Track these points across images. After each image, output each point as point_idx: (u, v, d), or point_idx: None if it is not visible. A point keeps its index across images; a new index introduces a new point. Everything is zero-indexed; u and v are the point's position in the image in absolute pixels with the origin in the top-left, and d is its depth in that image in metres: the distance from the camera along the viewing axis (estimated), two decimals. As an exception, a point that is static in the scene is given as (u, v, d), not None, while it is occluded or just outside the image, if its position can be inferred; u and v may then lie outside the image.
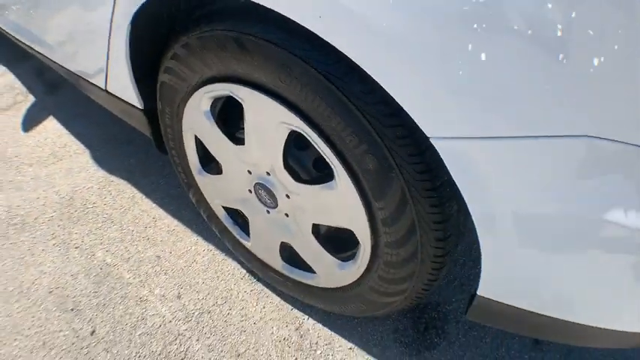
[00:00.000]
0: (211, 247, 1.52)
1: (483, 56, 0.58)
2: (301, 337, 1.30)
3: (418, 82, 0.65)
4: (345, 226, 0.96)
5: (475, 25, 0.57)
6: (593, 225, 0.65)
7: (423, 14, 0.61)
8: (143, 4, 0.89)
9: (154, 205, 1.65)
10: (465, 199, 0.71)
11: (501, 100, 0.61)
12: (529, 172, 0.65)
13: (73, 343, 1.36)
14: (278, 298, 1.38)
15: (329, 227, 1.06)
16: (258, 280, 1.42)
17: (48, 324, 1.41)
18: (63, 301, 1.45)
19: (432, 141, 0.68)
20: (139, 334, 1.35)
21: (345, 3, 0.64)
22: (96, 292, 1.45)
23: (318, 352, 1.27)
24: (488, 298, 0.83)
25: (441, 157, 0.69)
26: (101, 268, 1.50)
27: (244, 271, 1.44)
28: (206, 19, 0.86)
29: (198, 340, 1.33)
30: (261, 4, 0.73)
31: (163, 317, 1.38)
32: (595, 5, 0.54)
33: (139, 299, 1.42)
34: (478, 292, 0.84)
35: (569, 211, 0.66)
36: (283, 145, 0.92)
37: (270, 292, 1.40)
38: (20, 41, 1.77)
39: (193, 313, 1.38)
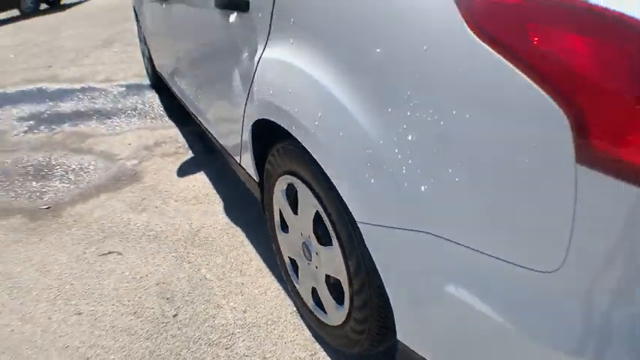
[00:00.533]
0: (280, 287, 1.83)
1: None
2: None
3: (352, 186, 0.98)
4: (338, 277, 1.26)
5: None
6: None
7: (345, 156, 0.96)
8: (258, 120, 1.40)
9: (254, 250, 2.06)
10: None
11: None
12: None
13: (156, 318, 1.73)
14: (308, 332, 1.60)
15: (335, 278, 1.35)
16: (301, 316, 1.67)
17: (144, 301, 1.81)
18: (163, 291, 1.86)
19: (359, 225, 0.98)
20: (206, 326, 1.66)
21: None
22: (190, 292, 1.84)
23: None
24: (406, 345, 1.00)
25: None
26: (200, 280, 1.90)
27: (295, 308, 1.71)
28: (284, 136, 1.30)
29: (243, 341, 1.59)
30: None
31: (227, 320, 1.68)
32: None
33: (217, 305, 1.76)
34: (398, 337, 1.02)
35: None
36: (312, 218, 1.29)
37: (304, 325, 1.63)
38: (186, 106, 2.50)
39: (248, 325, 1.65)
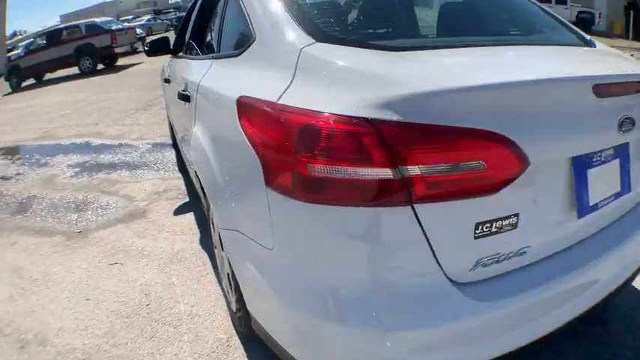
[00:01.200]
0: (222, 292, 2.70)
1: None
2: None
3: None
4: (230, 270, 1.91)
5: None
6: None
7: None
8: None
9: (211, 268, 2.95)
10: None
11: None
12: None
13: (136, 305, 2.62)
14: (230, 321, 2.44)
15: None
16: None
17: (130, 295, 2.71)
18: (144, 290, 2.76)
19: None
20: (165, 312, 2.54)
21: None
22: (161, 291, 2.72)
23: None
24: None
25: None
26: (169, 284, 2.79)
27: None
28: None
29: (186, 323, 2.45)
30: None
31: (180, 311, 2.56)
32: None
33: (176, 301, 2.64)
34: (248, 308, 1.46)
35: None
36: (214, 229, 2.14)
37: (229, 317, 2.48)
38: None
39: (193, 314, 2.52)
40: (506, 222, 1.16)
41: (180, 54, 3.42)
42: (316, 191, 1.09)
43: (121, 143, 6.08)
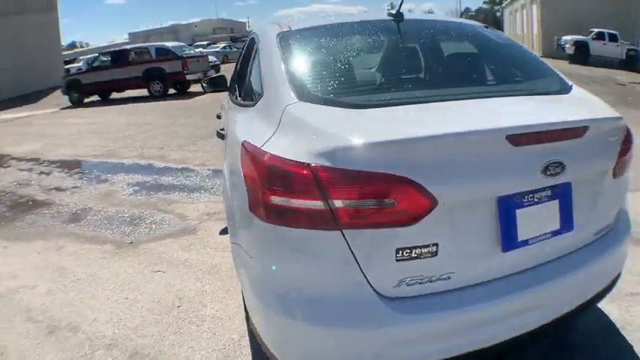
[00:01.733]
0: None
1: None
2: None
3: None
4: None
5: None
6: None
7: None
8: None
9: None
10: None
11: None
12: None
13: (168, 305, 3.04)
14: None
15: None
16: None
17: (166, 298, 3.15)
18: (179, 294, 3.19)
19: None
20: (193, 313, 2.92)
21: None
22: (193, 296, 3.14)
23: None
24: None
25: None
26: (202, 291, 3.20)
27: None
28: None
29: (209, 326, 2.80)
30: None
31: (206, 313, 2.93)
32: None
33: (204, 305, 3.02)
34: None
35: None
36: None
37: None
38: None
39: (217, 317, 2.87)
40: (425, 250, 1.52)
41: (229, 94, 4.01)
42: (274, 215, 1.56)
43: (183, 167, 6.81)
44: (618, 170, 1.96)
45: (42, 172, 7.51)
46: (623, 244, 2.04)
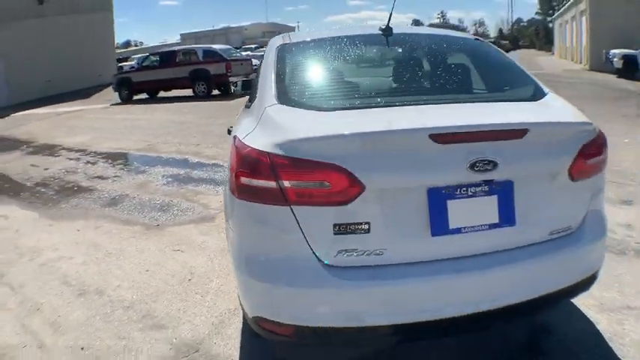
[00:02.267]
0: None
1: None
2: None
3: None
4: None
5: None
6: None
7: None
8: None
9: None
10: None
11: None
12: None
13: (181, 279, 3.50)
14: None
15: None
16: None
17: (179, 272, 3.61)
18: (192, 270, 3.64)
19: None
20: (202, 285, 3.37)
21: None
22: (204, 272, 3.58)
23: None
24: None
25: None
26: (211, 268, 3.64)
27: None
28: None
29: (215, 302, 3.24)
30: None
31: (211, 286, 3.36)
32: None
33: (210, 280, 3.46)
34: None
35: None
36: None
37: None
38: None
39: (222, 291, 3.30)
40: (359, 227, 1.84)
41: None
42: (243, 193, 1.94)
43: (214, 163, 7.34)
44: (578, 173, 2.07)
45: (88, 162, 8.22)
46: (586, 248, 2.14)
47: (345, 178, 1.79)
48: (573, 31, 30.02)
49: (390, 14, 2.76)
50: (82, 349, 2.71)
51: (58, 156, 9.01)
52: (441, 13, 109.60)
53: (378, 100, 2.27)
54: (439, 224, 1.89)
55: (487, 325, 2.16)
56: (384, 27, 2.77)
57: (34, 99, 21.44)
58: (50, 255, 4.17)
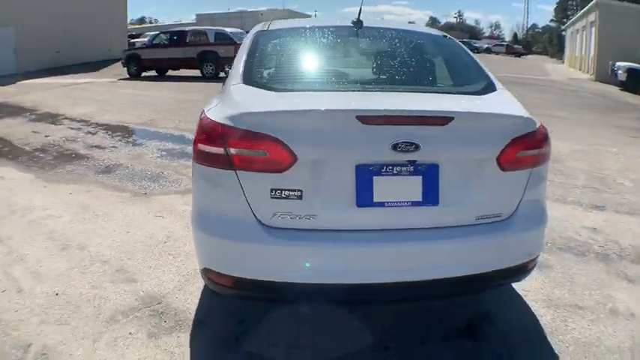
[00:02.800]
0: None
1: None
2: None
3: None
4: None
5: None
6: None
7: None
8: None
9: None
10: None
11: None
12: None
13: (158, 241, 3.74)
14: None
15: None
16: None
17: (158, 234, 3.86)
18: (169, 234, 3.89)
19: None
20: (177, 247, 3.61)
21: None
22: (179, 237, 3.82)
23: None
24: None
25: None
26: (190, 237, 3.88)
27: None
28: None
29: (191, 262, 3.48)
30: None
31: (190, 248, 3.61)
32: None
33: (187, 243, 3.70)
34: None
35: None
36: None
37: None
38: None
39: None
40: (292, 193, 2.07)
41: None
42: (199, 158, 2.19)
43: (209, 140, 7.55)
44: (508, 164, 2.20)
45: (88, 132, 8.48)
46: (518, 236, 2.28)
47: (280, 148, 2.02)
48: (583, 41, 29.94)
49: (360, 9, 2.95)
50: (57, 294, 2.96)
51: (60, 125, 9.27)
52: (458, 12, 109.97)
53: (329, 84, 2.49)
54: (364, 197, 2.09)
55: (410, 297, 2.35)
56: (355, 20, 2.97)
57: (43, 69, 21.74)
58: (40, 213, 4.43)
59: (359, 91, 2.43)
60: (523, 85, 16.52)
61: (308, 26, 3.13)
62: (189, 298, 2.92)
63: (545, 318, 2.77)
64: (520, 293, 3.00)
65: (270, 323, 2.65)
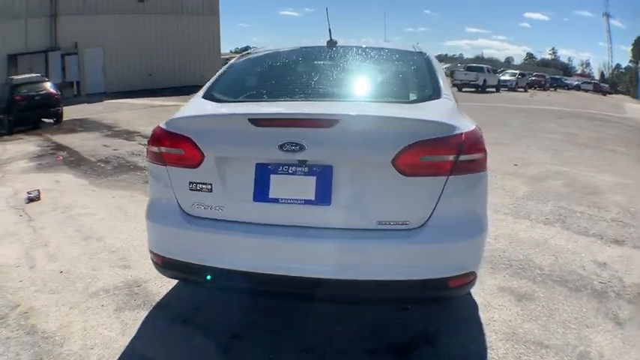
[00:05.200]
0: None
1: None
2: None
3: None
4: None
5: None
6: None
7: None
8: None
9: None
10: None
11: None
12: None
13: (127, 217, 4.23)
14: None
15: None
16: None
17: (128, 208, 4.35)
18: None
19: None
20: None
21: None
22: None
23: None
24: None
25: None
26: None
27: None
28: None
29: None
30: None
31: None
32: None
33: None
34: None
35: None
36: None
37: None
38: None
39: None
40: (204, 187, 2.43)
41: None
42: (148, 156, 2.66)
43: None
44: (409, 169, 2.25)
45: (154, 148, 9.41)
46: (427, 247, 2.28)
47: (192, 147, 2.42)
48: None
49: (329, 29, 3.31)
50: (61, 272, 3.54)
51: (132, 141, 10.39)
52: (553, 49, 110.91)
53: (265, 96, 2.88)
54: (261, 193, 2.36)
55: (305, 294, 2.50)
56: (329, 40, 3.27)
57: (134, 90, 24.31)
58: (79, 211, 5.16)
59: (286, 101, 2.76)
60: (595, 121, 15.68)
61: (283, 50, 3.58)
62: (165, 285, 3.33)
63: (497, 352, 2.63)
64: (482, 321, 2.92)
65: (222, 313, 3.00)
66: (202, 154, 2.40)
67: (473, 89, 28.86)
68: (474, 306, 3.09)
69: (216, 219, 2.44)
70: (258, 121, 2.35)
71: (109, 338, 2.68)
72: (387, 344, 2.69)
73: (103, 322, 2.84)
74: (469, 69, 31.61)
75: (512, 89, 33.26)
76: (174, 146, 2.47)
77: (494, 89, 30.82)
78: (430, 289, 2.35)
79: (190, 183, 2.45)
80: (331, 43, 3.26)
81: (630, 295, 3.35)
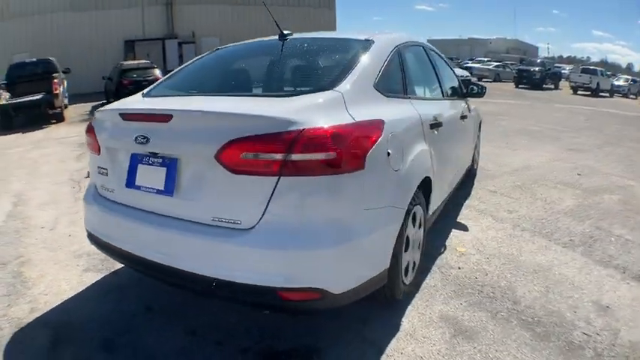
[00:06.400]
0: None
1: None
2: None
3: None
4: None
5: None
6: None
7: None
8: None
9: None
10: None
11: None
12: None
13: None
14: None
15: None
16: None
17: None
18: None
19: None
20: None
21: None
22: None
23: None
24: None
25: None
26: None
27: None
28: None
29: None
30: None
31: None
32: None
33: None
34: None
35: None
36: None
37: None
38: None
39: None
40: (103, 171, 2.97)
41: None
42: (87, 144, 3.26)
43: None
44: (235, 166, 2.27)
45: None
46: (254, 251, 2.26)
47: (94, 137, 3.02)
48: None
49: (276, 23, 3.57)
50: (70, 236, 4.56)
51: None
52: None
53: (182, 91, 3.36)
54: (130, 180, 2.74)
55: (159, 277, 2.79)
56: (280, 34, 3.55)
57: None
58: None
59: (182, 96, 3.24)
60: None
61: (238, 44, 4.11)
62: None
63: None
64: (387, 351, 2.65)
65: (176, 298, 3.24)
66: (98, 144, 2.97)
67: (588, 92, 29.92)
68: (392, 330, 2.84)
69: (109, 199, 2.94)
70: (124, 116, 2.80)
71: (62, 290, 3.48)
72: (264, 347, 2.72)
73: (67, 278, 3.68)
74: (583, 71, 31.52)
75: (625, 95, 32.55)
76: (88, 136, 3.08)
77: (607, 94, 30.96)
78: (260, 297, 2.32)
79: (98, 167, 3.02)
80: (282, 36, 3.54)
81: (617, 357, 2.63)
